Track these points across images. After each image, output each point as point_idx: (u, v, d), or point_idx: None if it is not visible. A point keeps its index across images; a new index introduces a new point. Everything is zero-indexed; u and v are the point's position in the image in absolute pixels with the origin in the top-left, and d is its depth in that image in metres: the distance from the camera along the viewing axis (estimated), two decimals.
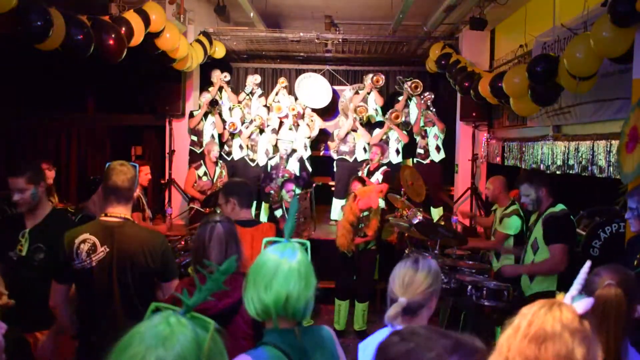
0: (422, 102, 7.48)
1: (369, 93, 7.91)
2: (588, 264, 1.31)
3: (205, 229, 2.22)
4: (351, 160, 7.37)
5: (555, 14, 5.02)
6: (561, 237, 3.53)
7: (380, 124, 7.71)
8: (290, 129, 7.55)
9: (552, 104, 4.85)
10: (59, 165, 7.45)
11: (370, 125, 7.89)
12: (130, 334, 0.97)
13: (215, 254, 2.15)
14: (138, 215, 4.81)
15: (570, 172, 4.80)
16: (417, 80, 7.76)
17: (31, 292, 2.66)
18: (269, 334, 1.53)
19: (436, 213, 7.33)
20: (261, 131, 7.41)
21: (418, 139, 7.58)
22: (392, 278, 1.90)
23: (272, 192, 6.40)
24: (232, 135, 7.46)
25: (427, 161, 7.37)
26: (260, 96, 8.26)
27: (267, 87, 9.01)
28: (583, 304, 1.13)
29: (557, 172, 5.04)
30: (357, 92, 8.20)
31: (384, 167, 6.77)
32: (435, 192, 7.29)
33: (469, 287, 3.76)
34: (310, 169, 7.62)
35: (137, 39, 5.21)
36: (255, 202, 7.46)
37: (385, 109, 7.89)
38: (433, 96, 7.54)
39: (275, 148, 7.59)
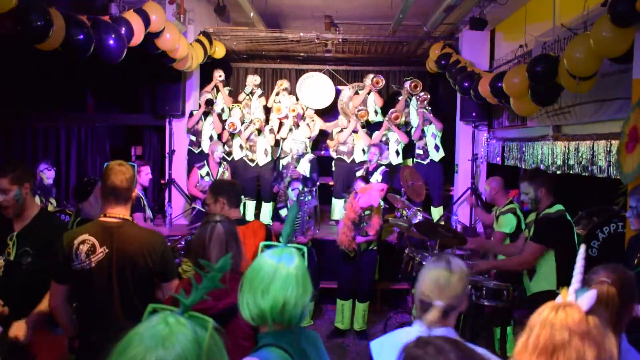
0: (419, 102, 7.45)
1: (368, 93, 7.91)
2: (583, 248, 1.31)
3: (206, 229, 2.22)
4: (349, 161, 7.37)
5: (555, 14, 5.02)
6: (544, 239, 3.54)
7: (379, 125, 7.70)
8: (291, 129, 7.55)
9: (552, 104, 4.85)
10: (58, 165, 7.45)
11: (370, 126, 7.87)
12: (129, 336, 0.97)
13: (215, 254, 2.16)
14: (140, 216, 4.81)
15: (570, 172, 4.80)
16: (417, 80, 7.76)
17: (23, 296, 2.62)
18: (266, 337, 1.52)
19: (436, 213, 7.33)
20: (259, 132, 7.41)
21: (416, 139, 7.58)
22: (424, 279, 1.82)
23: (280, 191, 6.41)
24: (232, 135, 7.46)
25: (427, 161, 7.37)
26: (260, 96, 8.26)
27: (267, 87, 9.02)
28: (587, 300, 1.13)
29: (557, 172, 5.04)
30: (356, 93, 8.19)
31: (383, 167, 6.78)
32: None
33: (469, 286, 3.76)
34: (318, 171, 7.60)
35: (137, 39, 5.21)
36: (255, 202, 7.49)
37: (385, 109, 7.89)
38: (429, 96, 7.48)
39: (275, 148, 7.59)
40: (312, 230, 5.36)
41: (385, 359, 1.75)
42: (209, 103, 7.28)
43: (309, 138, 7.66)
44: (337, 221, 6.49)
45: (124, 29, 4.96)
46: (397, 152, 7.53)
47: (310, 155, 7.25)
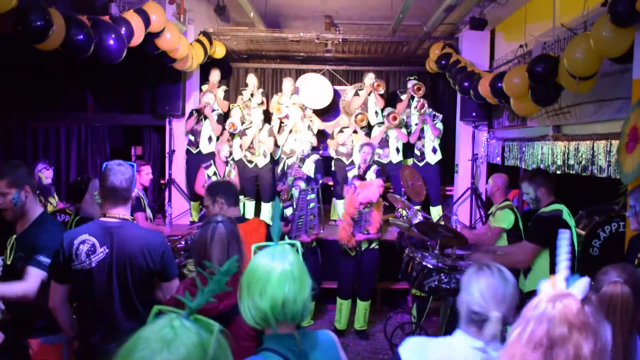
0: (417, 107, 7.38)
1: (369, 94, 7.88)
2: (566, 234, 1.29)
3: (207, 229, 2.22)
4: (347, 162, 7.34)
5: (555, 14, 5.02)
6: (536, 238, 3.55)
7: (379, 125, 7.67)
8: (291, 130, 7.53)
9: (552, 104, 4.85)
10: (58, 165, 7.45)
11: (371, 127, 7.84)
12: (134, 339, 0.96)
13: (217, 254, 2.15)
14: (142, 216, 4.81)
15: (570, 172, 4.80)
16: (421, 84, 7.60)
17: (22, 301, 2.57)
18: (268, 340, 1.51)
19: (435, 212, 7.33)
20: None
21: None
22: (477, 290, 1.67)
23: (283, 190, 6.41)
24: (232, 135, 7.45)
25: (423, 163, 7.33)
26: (260, 104, 8.19)
27: (267, 87, 9.01)
28: (581, 287, 1.11)
29: (557, 172, 5.04)
30: (356, 93, 8.18)
31: (375, 166, 6.72)
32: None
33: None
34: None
35: (137, 39, 5.21)
36: (254, 202, 7.48)
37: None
38: (425, 103, 7.36)
39: (274, 148, 7.57)
40: (316, 230, 5.33)
41: None
42: (199, 113, 7.25)
43: (314, 136, 7.62)
44: (336, 221, 6.49)
45: (124, 29, 4.96)
46: (398, 150, 7.48)
47: (315, 156, 7.24)
